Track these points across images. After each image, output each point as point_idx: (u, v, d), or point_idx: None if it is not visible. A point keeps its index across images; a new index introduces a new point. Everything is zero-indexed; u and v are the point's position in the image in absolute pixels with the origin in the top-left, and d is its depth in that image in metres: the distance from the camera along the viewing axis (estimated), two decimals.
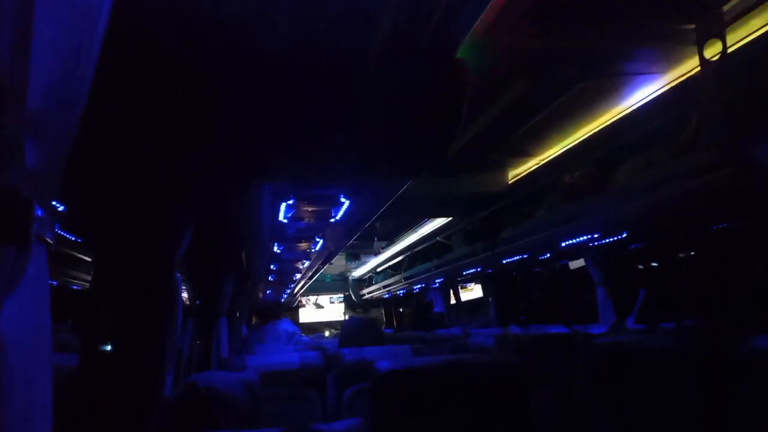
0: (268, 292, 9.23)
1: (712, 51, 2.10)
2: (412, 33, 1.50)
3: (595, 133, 3.31)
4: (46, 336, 0.75)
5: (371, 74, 1.63)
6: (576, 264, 6.33)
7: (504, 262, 5.86)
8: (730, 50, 2.11)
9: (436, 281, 8.90)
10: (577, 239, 4.43)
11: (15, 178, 0.64)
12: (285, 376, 3.22)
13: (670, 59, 2.52)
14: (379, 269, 11.44)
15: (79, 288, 6.72)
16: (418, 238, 7.30)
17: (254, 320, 7.18)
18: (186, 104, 1.58)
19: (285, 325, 5.01)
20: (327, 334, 13.45)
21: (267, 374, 3.16)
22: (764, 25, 2.13)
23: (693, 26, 2.20)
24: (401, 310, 14.52)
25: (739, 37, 2.18)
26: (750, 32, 2.16)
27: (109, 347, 1.68)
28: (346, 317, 14.87)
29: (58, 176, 0.76)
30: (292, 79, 1.62)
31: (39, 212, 0.69)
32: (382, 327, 12.42)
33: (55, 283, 6.19)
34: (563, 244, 4.64)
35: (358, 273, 13.48)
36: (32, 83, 0.62)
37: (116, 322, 1.71)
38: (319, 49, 1.52)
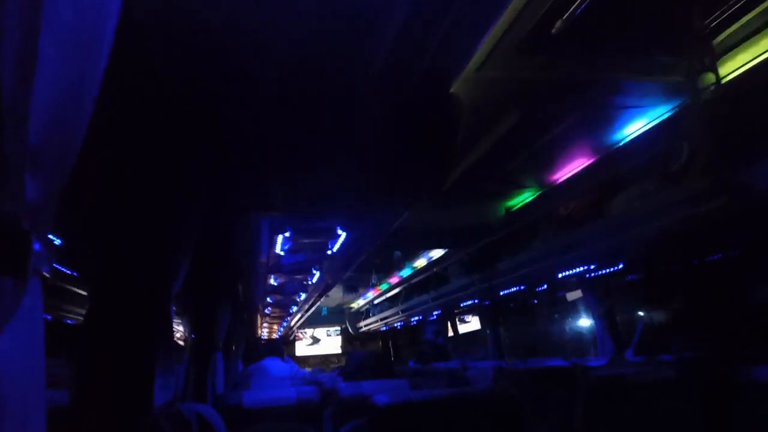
0: (264, 325, 9.13)
1: (704, 83, 2.14)
2: (407, 66, 1.52)
3: (589, 164, 3.34)
4: (40, 370, 0.75)
5: (367, 107, 1.64)
6: (573, 296, 6.30)
7: (501, 293, 5.83)
8: (721, 82, 2.15)
9: (434, 313, 8.83)
10: (574, 270, 4.43)
11: (14, 209, 0.64)
12: (281, 411, 3.17)
13: (662, 91, 2.56)
14: (376, 301, 11.35)
15: (74, 322, 6.63)
16: (416, 269, 7.26)
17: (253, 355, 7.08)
18: (184, 137, 1.60)
19: (285, 361, 4.95)
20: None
21: (263, 410, 3.11)
22: (753, 58, 2.17)
23: (684, 60, 2.24)
24: (398, 342, 14.32)
25: (729, 69, 2.22)
26: (740, 65, 2.21)
27: (101, 381, 1.65)
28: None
29: (55, 208, 0.76)
30: (288, 111, 1.63)
31: (36, 246, 0.68)
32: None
33: (49, 317, 6.12)
34: (560, 275, 4.62)
35: (355, 305, 13.36)
36: (33, 114, 0.62)
37: (109, 356, 1.68)
38: (315, 81, 1.54)
